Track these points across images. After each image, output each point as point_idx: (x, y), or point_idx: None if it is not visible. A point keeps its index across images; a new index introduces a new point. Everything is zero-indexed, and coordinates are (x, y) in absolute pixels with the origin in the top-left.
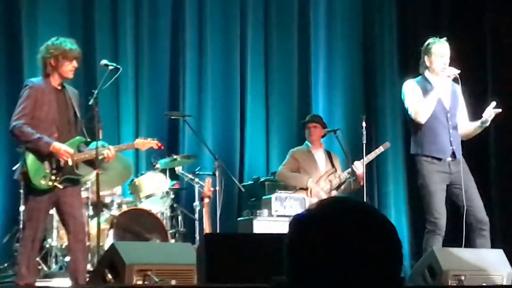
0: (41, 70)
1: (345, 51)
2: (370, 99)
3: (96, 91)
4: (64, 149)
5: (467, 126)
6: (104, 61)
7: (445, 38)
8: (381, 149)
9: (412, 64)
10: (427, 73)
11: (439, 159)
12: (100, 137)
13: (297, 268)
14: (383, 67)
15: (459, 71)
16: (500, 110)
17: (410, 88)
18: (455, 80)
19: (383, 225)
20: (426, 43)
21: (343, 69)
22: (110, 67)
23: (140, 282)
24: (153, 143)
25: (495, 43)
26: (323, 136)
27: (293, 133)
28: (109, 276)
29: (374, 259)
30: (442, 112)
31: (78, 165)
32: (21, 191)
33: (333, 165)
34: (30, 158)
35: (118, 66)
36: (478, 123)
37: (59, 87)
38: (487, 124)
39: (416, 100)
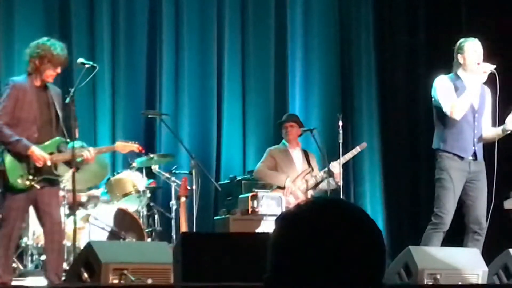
0: (26, 66)
1: (322, 50)
2: (346, 99)
3: (72, 90)
4: (39, 154)
5: (488, 131)
6: (80, 60)
7: (476, 39)
8: (357, 149)
9: (388, 64)
10: (460, 71)
11: (461, 157)
12: (77, 136)
13: (281, 264)
14: (359, 66)
15: (495, 66)
16: None
17: (443, 84)
18: (487, 80)
19: (371, 228)
20: (458, 42)
21: (319, 68)
22: (87, 66)
23: (116, 281)
24: (134, 146)
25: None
26: (299, 135)
27: (269, 132)
28: (85, 275)
29: (358, 260)
30: (470, 111)
31: (57, 165)
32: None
33: (309, 165)
34: (8, 157)
35: (95, 65)
36: (499, 129)
37: (42, 87)
38: (508, 132)
39: (452, 96)
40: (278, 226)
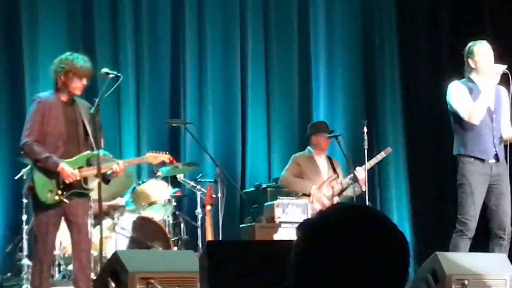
0: (52, 82)
1: (346, 56)
2: (370, 104)
3: (97, 100)
4: (69, 171)
5: (507, 131)
6: (104, 70)
7: (484, 41)
8: (382, 154)
9: (412, 68)
10: (473, 75)
11: (482, 160)
12: (102, 146)
13: (305, 273)
14: (383, 72)
15: (506, 66)
16: None
17: (457, 89)
18: (501, 81)
19: (398, 237)
20: (467, 46)
21: (343, 74)
22: (111, 76)
23: None
24: (165, 157)
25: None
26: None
27: (294, 139)
28: (112, 284)
29: (383, 270)
30: (487, 114)
31: (87, 179)
32: (24, 200)
33: (335, 171)
34: (37, 173)
35: (119, 74)
36: None
37: (69, 101)
38: None
39: (467, 101)
40: (302, 233)
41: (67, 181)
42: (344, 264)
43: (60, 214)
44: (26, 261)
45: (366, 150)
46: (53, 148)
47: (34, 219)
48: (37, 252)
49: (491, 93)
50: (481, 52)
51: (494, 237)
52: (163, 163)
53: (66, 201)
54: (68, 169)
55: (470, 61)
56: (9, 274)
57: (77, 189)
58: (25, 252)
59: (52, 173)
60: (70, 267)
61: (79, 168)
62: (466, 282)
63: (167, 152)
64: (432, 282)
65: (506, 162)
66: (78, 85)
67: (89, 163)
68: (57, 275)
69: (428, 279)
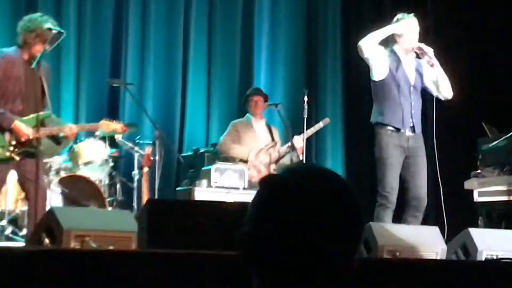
0: (17, 38)
1: (288, 25)
2: (311, 75)
3: (38, 55)
4: (22, 129)
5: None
6: (47, 25)
7: (412, 13)
8: (320, 124)
9: (354, 41)
10: (395, 47)
11: (398, 130)
12: (47, 103)
13: (263, 224)
14: (325, 43)
15: (429, 48)
16: None
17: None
18: (418, 56)
19: (355, 203)
20: (395, 18)
21: (285, 43)
22: (54, 31)
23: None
24: (118, 126)
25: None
26: (264, 110)
27: (234, 106)
28: (46, 240)
29: (339, 232)
30: (406, 86)
31: (40, 139)
32: None
33: (273, 139)
34: None
35: (62, 31)
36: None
37: (30, 60)
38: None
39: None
40: (267, 186)
41: (21, 140)
42: (304, 222)
43: (8, 171)
44: None
45: (305, 120)
46: (12, 105)
47: None
48: None
49: (411, 66)
50: (407, 26)
51: (408, 209)
52: (114, 132)
53: (17, 158)
54: (21, 127)
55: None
56: None
57: (29, 148)
58: None
59: (4, 129)
60: (3, 222)
61: (33, 127)
62: (397, 253)
63: (120, 122)
64: (364, 252)
65: (424, 135)
66: (39, 48)
67: (43, 124)
68: None
69: (361, 249)
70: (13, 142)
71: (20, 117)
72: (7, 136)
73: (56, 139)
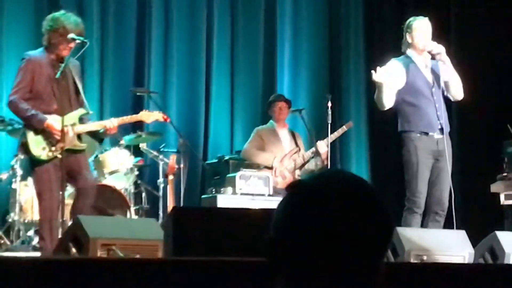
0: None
1: (311, 30)
2: (334, 79)
3: (62, 65)
4: (55, 129)
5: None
6: (71, 35)
7: (426, 17)
8: (344, 128)
9: (377, 45)
10: (409, 51)
11: (427, 134)
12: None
13: (289, 230)
14: (348, 47)
15: (441, 46)
16: None
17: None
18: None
19: (385, 210)
20: (407, 21)
21: (308, 48)
22: (77, 41)
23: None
24: (159, 115)
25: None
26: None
27: (257, 112)
28: (73, 249)
29: (367, 241)
30: (426, 88)
31: (81, 136)
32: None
33: (297, 145)
34: (30, 131)
35: (85, 41)
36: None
37: (58, 60)
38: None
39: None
40: (294, 191)
41: (55, 137)
42: (331, 227)
43: (59, 170)
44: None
45: (329, 125)
46: (47, 105)
47: (34, 178)
48: (44, 211)
49: (427, 67)
50: (419, 27)
51: (430, 213)
52: (158, 122)
53: (59, 156)
54: (55, 124)
55: (407, 35)
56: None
57: (70, 146)
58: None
59: (43, 130)
60: (30, 232)
61: (72, 125)
62: (424, 257)
63: (161, 111)
64: (391, 257)
65: (450, 138)
66: (65, 47)
67: (81, 121)
68: (16, 241)
69: (387, 254)
70: (54, 142)
71: (58, 116)
72: (46, 137)
73: (97, 136)
